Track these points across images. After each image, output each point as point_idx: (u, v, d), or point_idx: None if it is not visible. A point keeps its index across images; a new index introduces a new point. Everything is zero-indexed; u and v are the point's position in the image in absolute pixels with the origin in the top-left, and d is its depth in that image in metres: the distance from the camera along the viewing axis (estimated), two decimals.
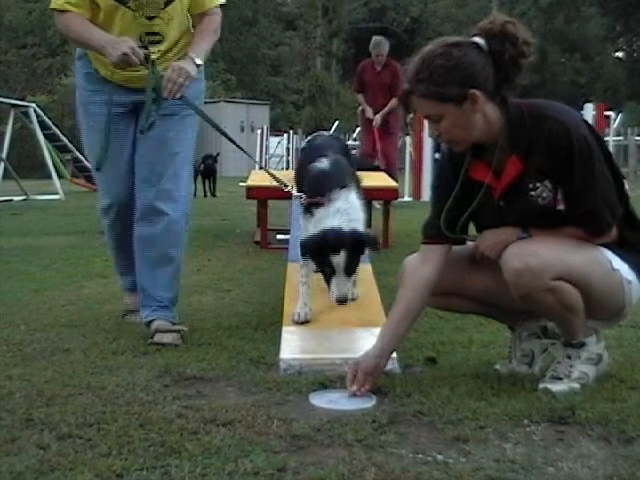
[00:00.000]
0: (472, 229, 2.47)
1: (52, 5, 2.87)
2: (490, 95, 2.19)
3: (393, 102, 8.63)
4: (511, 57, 2.17)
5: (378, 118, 8.63)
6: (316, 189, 2.87)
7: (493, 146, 2.26)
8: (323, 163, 2.96)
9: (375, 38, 8.98)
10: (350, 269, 2.74)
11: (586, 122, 2.28)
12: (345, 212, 2.78)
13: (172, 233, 2.99)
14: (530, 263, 2.16)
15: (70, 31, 2.88)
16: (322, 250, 2.72)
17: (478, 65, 2.16)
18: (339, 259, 2.69)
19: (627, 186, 2.33)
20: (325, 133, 3.53)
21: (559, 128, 2.17)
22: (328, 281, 2.75)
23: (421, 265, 2.38)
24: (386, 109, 8.65)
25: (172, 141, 2.99)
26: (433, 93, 2.16)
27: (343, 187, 2.84)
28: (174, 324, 2.98)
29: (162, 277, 3.02)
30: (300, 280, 2.93)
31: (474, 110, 2.18)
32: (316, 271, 2.86)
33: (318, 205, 2.83)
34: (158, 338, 2.86)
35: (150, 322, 2.99)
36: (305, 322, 2.84)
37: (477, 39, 2.19)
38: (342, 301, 2.70)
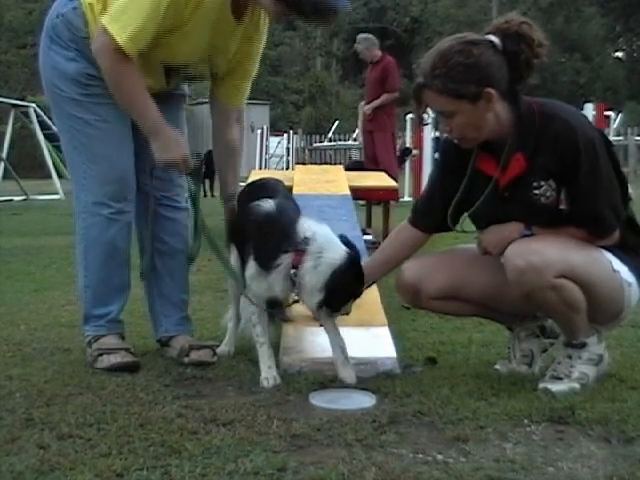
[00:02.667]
0: (470, 225, 2.48)
1: (116, 39, 2.34)
2: (503, 94, 2.21)
3: (384, 97, 8.50)
4: (526, 58, 2.19)
5: (367, 108, 8.54)
6: (279, 244, 2.34)
7: (501, 142, 2.27)
8: (268, 205, 2.43)
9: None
10: None
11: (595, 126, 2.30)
12: (332, 242, 2.34)
13: (185, 227, 2.82)
14: (533, 261, 2.16)
15: (122, 85, 2.43)
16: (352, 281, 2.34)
17: (495, 65, 2.18)
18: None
19: (630, 190, 2.34)
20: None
21: (567, 130, 2.18)
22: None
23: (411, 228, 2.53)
24: (375, 103, 8.50)
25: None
26: (450, 90, 2.17)
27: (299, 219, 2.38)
28: (192, 336, 2.81)
29: (180, 277, 2.83)
30: (257, 341, 2.45)
31: (488, 108, 2.20)
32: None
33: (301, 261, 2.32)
34: (196, 356, 2.61)
35: (171, 337, 2.76)
36: (276, 385, 2.37)
37: (493, 38, 2.20)
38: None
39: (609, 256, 2.28)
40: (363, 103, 9.01)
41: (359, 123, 9.39)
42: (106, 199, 2.60)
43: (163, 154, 2.48)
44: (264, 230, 2.41)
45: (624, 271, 2.29)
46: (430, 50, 2.24)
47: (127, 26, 2.35)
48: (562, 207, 2.25)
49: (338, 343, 2.42)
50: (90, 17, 2.50)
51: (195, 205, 2.70)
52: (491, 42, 2.20)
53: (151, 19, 2.37)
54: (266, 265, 2.38)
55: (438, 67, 2.17)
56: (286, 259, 2.33)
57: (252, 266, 2.43)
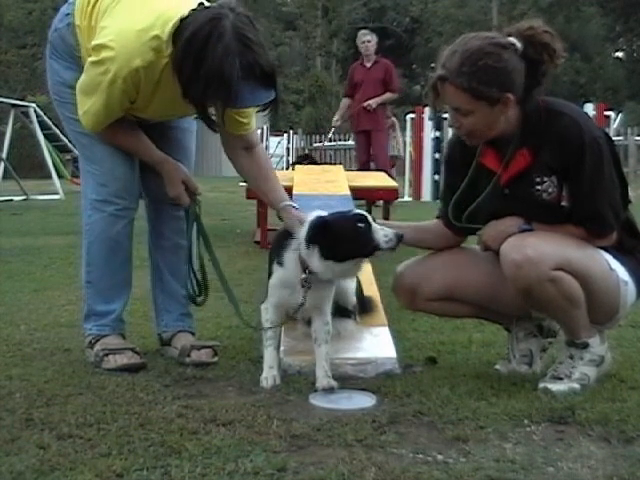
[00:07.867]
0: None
1: (87, 128, 2.57)
2: (518, 99, 2.22)
3: (388, 95, 8.83)
4: (546, 68, 2.21)
5: (372, 101, 8.73)
6: None
7: (507, 138, 2.28)
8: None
9: (360, 31, 9.43)
10: None
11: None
12: None
13: (183, 221, 2.82)
14: (529, 254, 2.17)
15: (119, 143, 2.63)
16: None
17: (518, 71, 2.20)
18: None
19: (630, 191, 2.35)
20: None
21: (573, 126, 2.20)
22: None
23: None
24: (379, 99, 8.75)
25: (188, 142, 2.86)
26: (473, 89, 2.17)
27: None
28: (193, 334, 2.83)
29: (181, 273, 2.83)
30: (265, 344, 2.45)
31: (502, 112, 2.22)
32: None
33: None
34: (196, 356, 2.62)
35: (173, 336, 2.78)
36: (275, 386, 2.37)
37: (516, 42, 2.20)
38: None
39: (606, 255, 2.29)
40: (346, 100, 9.22)
41: (336, 116, 9.53)
42: (109, 196, 2.64)
43: (166, 187, 2.68)
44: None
45: (621, 270, 2.29)
46: (455, 45, 2.22)
47: (87, 112, 2.53)
48: (564, 203, 2.26)
49: (323, 358, 2.35)
50: (80, 38, 2.58)
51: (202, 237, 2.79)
52: (513, 45, 2.20)
53: (107, 107, 2.49)
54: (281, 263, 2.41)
55: (466, 64, 2.16)
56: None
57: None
